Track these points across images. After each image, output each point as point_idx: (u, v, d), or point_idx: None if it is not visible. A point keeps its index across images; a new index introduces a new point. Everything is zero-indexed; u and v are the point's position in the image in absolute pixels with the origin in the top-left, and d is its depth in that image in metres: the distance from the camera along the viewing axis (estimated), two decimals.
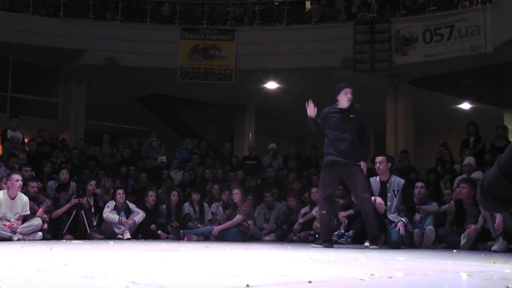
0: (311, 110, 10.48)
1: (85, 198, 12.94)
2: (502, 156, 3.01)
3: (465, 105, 24.73)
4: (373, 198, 10.72)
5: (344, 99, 10.36)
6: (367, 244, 10.66)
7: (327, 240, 10.35)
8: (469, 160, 14.46)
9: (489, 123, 19.85)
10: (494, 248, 9.61)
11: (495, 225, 10.07)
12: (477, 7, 17.82)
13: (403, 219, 10.67)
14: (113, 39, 20.02)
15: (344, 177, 10.50)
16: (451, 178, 14.36)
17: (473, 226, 10.66)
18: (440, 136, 25.32)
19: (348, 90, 10.39)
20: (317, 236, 12.94)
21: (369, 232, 10.31)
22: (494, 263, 6.46)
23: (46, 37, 19.42)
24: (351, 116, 10.32)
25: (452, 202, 11.89)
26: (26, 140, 18.23)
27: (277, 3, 22.43)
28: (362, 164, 10.29)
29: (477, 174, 13.76)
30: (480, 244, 10.65)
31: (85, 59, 19.91)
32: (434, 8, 18.72)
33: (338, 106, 10.44)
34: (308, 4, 22.01)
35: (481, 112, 24.16)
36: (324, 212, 10.32)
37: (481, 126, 16.71)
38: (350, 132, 10.27)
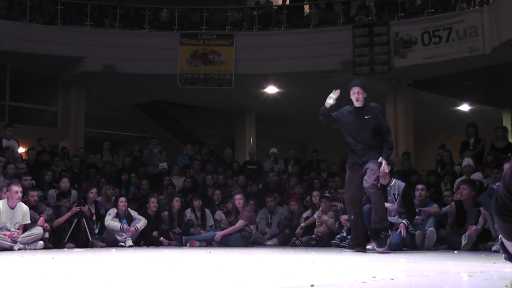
0: (331, 97, 9.93)
1: (86, 206, 12.93)
2: (506, 170, 3.07)
3: (464, 107, 24.74)
4: None
5: (353, 99, 9.97)
6: (369, 247, 10.67)
7: (358, 244, 10.02)
8: (468, 161, 14.48)
9: (488, 124, 19.86)
10: (494, 248, 9.60)
11: (495, 225, 10.07)
12: (474, 8, 17.84)
13: (404, 221, 10.68)
14: (111, 46, 20.02)
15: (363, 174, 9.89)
16: (451, 180, 14.37)
17: (474, 227, 10.69)
18: (440, 137, 25.31)
19: (356, 89, 9.92)
20: (318, 239, 13.00)
21: (377, 225, 9.72)
22: (494, 263, 6.47)
23: (44, 45, 19.39)
24: (366, 117, 9.85)
25: (453, 203, 11.92)
26: (24, 149, 18.22)
27: (275, 8, 22.45)
28: (381, 159, 9.83)
29: (477, 175, 13.79)
30: (481, 244, 10.67)
31: (84, 66, 19.89)
32: (432, 10, 18.74)
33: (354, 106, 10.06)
34: (306, 8, 22.03)
35: (480, 113, 24.16)
36: (352, 217, 10.08)
37: (481, 127, 16.72)
38: (365, 134, 9.83)
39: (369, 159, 9.67)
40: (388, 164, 11.11)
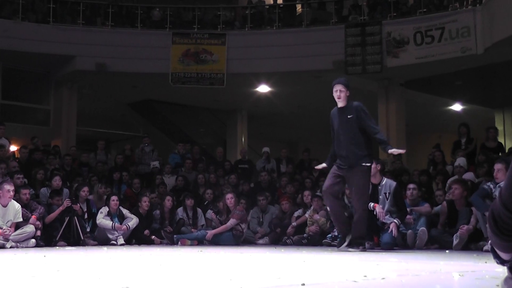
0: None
1: (78, 204, 12.90)
2: (503, 187, 3.05)
3: (457, 107, 24.78)
4: (372, 205, 10.71)
5: (335, 97, 9.78)
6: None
7: (346, 234, 9.86)
8: (459, 161, 14.51)
9: (481, 124, 19.89)
10: (486, 248, 9.60)
11: (486, 225, 10.09)
12: (467, 8, 17.87)
13: (395, 220, 10.68)
14: (103, 45, 19.99)
15: (346, 180, 9.85)
16: (443, 180, 14.38)
17: (465, 227, 10.71)
18: (432, 137, 25.37)
19: (338, 86, 9.70)
20: (309, 238, 13.00)
21: (352, 234, 9.75)
22: (486, 262, 6.48)
23: (36, 43, 19.35)
24: (348, 117, 9.64)
25: (445, 203, 11.95)
26: (16, 148, 18.16)
27: (268, 7, 22.45)
28: (373, 167, 9.96)
29: (468, 175, 13.82)
30: (472, 244, 10.69)
31: (76, 65, 19.86)
32: (425, 10, 18.77)
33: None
34: (299, 8, 22.04)
35: (473, 113, 24.22)
36: (328, 208, 10.06)
37: (473, 127, 16.76)
38: (348, 135, 9.64)
39: (355, 165, 9.57)
40: (377, 163, 11.15)
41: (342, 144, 9.70)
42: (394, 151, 9.61)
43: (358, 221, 9.71)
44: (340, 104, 9.75)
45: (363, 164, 9.55)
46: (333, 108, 10.00)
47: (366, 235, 10.78)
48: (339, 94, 9.67)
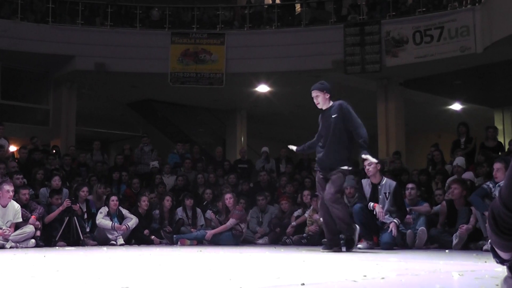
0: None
1: (78, 204, 12.89)
2: (502, 186, 3.05)
3: (456, 106, 24.79)
4: (371, 205, 10.72)
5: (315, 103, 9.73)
6: (360, 246, 10.70)
7: (334, 244, 9.63)
8: (458, 161, 14.51)
9: (480, 123, 19.89)
10: (485, 247, 9.60)
11: (486, 225, 10.10)
12: (466, 8, 17.89)
13: (395, 220, 10.68)
14: (102, 45, 20.00)
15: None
16: (442, 179, 14.38)
17: (465, 226, 10.70)
18: (431, 137, 25.39)
19: (313, 93, 9.72)
20: (309, 238, 12.99)
21: (326, 236, 9.62)
22: (485, 262, 6.48)
23: (35, 43, 19.36)
24: (333, 116, 9.46)
25: (444, 202, 11.94)
26: (16, 148, 18.15)
27: (267, 6, 22.45)
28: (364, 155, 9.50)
29: (468, 175, 13.82)
30: (472, 243, 10.68)
31: (75, 64, 19.86)
32: (424, 9, 18.78)
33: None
34: (298, 7, 22.03)
35: (472, 113, 24.23)
36: (321, 219, 9.85)
37: (472, 127, 16.77)
38: (332, 137, 9.46)
39: (334, 168, 9.39)
40: (377, 162, 11.14)
41: (324, 146, 9.63)
42: (368, 157, 9.48)
43: (338, 216, 9.33)
44: (320, 107, 9.72)
45: (342, 168, 9.38)
46: None
47: (367, 235, 10.82)
48: (316, 100, 9.67)
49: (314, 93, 9.68)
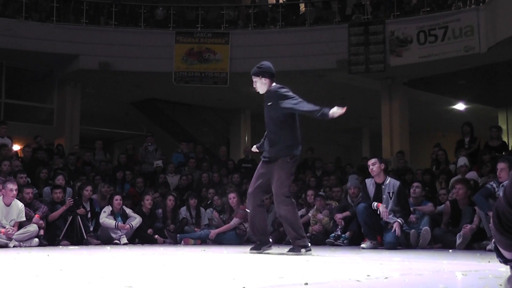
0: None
1: (82, 209, 12.87)
2: (507, 185, 3.05)
3: (460, 106, 24.78)
4: (375, 204, 10.71)
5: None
6: (363, 245, 10.71)
7: (263, 243, 8.92)
8: (462, 161, 14.50)
9: (484, 123, 19.87)
10: (489, 247, 9.59)
11: (490, 224, 10.07)
12: (470, 7, 17.87)
13: (399, 220, 10.66)
14: (107, 44, 20.01)
15: (269, 175, 8.64)
16: (446, 179, 14.35)
17: (469, 226, 10.68)
18: (435, 136, 25.36)
19: (253, 78, 8.89)
20: (312, 237, 12.96)
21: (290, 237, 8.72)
22: (489, 262, 6.47)
23: (40, 42, 19.38)
24: (268, 104, 8.76)
25: (448, 202, 11.93)
26: (20, 147, 18.16)
27: (271, 6, 22.45)
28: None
29: (471, 175, 13.80)
30: (475, 243, 10.67)
31: (79, 64, 19.88)
32: (428, 9, 18.77)
33: None
34: (302, 7, 22.04)
35: (476, 113, 24.21)
36: (248, 211, 8.92)
37: (476, 127, 16.74)
38: (271, 125, 8.81)
39: (277, 157, 8.55)
40: (381, 162, 11.13)
41: (267, 135, 8.96)
42: (334, 112, 7.85)
43: (292, 224, 8.52)
44: (261, 92, 8.93)
45: (284, 157, 8.52)
46: None
47: (370, 234, 10.82)
48: (254, 85, 8.89)
49: (253, 79, 8.87)
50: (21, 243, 11.18)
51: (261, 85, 8.80)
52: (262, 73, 8.78)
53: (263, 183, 8.71)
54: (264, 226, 8.97)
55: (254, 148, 9.54)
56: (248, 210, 8.88)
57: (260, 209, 8.85)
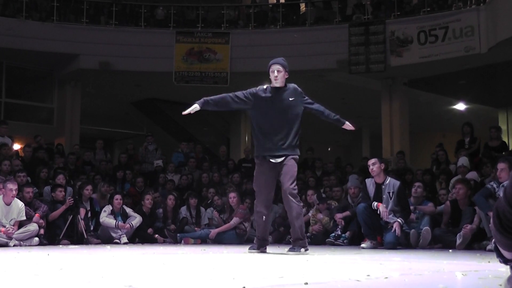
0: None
1: (82, 209, 12.87)
2: (507, 185, 3.05)
3: (460, 106, 24.78)
4: (375, 204, 10.72)
5: (271, 78, 9.33)
6: (363, 245, 10.72)
7: (263, 244, 8.97)
8: (462, 161, 14.50)
9: (484, 123, 19.88)
10: (489, 247, 9.58)
11: (490, 224, 10.07)
12: (471, 8, 17.87)
13: (399, 219, 10.66)
14: (107, 43, 20.01)
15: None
16: (446, 179, 14.35)
17: (469, 226, 10.68)
18: (436, 136, 25.39)
19: (274, 67, 9.29)
20: (312, 237, 12.95)
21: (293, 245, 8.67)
22: (489, 262, 6.47)
23: (40, 41, 19.40)
24: (290, 99, 9.13)
25: (448, 202, 11.93)
26: (20, 146, 18.16)
27: (271, 6, 22.45)
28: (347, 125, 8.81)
29: (472, 175, 13.80)
30: (475, 243, 10.67)
31: (79, 63, 19.89)
32: (429, 9, 18.77)
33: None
34: (302, 7, 22.03)
35: (476, 113, 24.21)
36: (264, 218, 8.81)
37: (476, 127, 16.74)
38: (281, 122, 8.94)
39: (290, 156, 8.78)
40: (381, 162, 11.15)
41: (275, 133, 8.86)
42: (347, 124, 8.89)
43: (300, 223, 8.70)
44: (279, 85, 9.22)
45: (295, 156, 8.93)
46: (259, 88, 9.40)
47: (370, 234, 10.83)
48: (278, 75, 9.18)
49: (276, 67, 9.18)
50: (21, 242, 11.20)
51: (282, 78, 9.15)
52: (287, 67, 9.23)
53: (274, 184, 8.99)
54: (268, 230, 9.19)
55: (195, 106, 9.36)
56: (264, 212, 8.78)
57: (270, 214, 9.10)
